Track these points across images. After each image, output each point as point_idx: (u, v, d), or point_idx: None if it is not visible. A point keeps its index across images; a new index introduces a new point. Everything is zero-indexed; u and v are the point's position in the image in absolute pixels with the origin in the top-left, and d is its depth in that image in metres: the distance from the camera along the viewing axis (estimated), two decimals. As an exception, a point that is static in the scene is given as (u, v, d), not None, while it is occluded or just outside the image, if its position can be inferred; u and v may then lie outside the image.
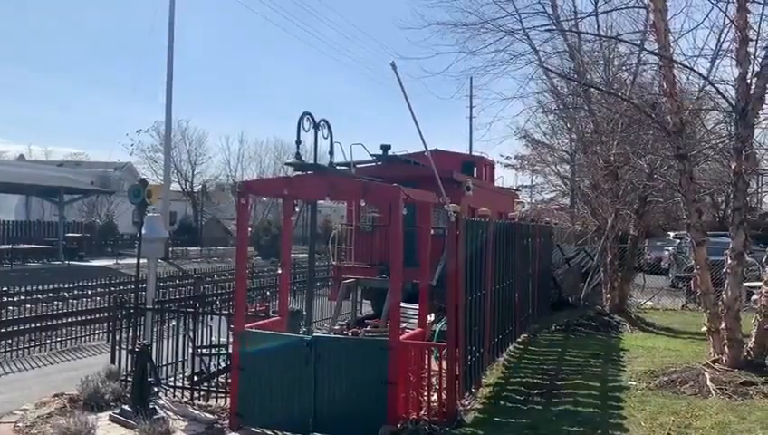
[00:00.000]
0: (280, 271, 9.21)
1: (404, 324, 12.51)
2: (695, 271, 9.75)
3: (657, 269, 25.03)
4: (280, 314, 9.24)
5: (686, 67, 8.30)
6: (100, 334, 14.66)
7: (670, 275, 22.80)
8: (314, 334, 8.10)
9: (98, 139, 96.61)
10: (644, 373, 8.76)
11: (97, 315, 15.33)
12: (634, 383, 8.32)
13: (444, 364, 7.80)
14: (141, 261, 9.94)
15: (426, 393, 7.60)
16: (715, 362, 8.64)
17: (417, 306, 12.96)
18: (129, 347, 9.02)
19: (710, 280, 9.56)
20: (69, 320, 14.92)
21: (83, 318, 15.21)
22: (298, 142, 13.29)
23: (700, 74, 8.17)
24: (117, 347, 9.77)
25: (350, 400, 7.46)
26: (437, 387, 7.76)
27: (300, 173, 8.07)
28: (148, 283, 10.09)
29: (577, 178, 22.30)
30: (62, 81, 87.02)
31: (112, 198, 43.05)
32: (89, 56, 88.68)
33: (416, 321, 12.63)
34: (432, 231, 16.98)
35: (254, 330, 8.20)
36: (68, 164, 53.67)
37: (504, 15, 13.60)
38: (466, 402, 7.97)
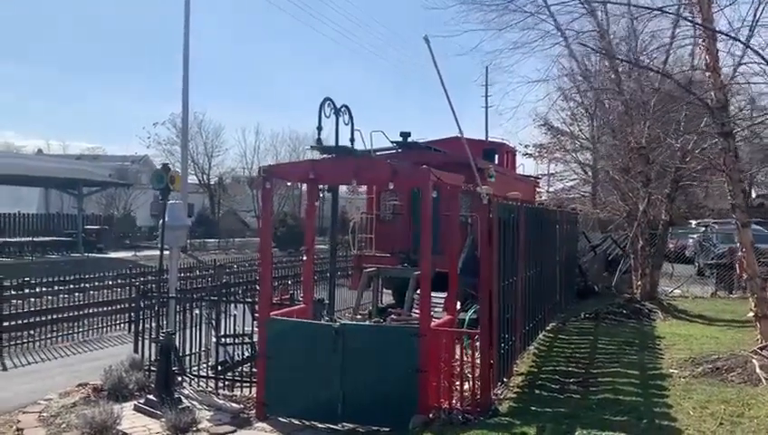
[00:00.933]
0: (304, 258, 8.98)
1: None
2: (739, 254, 9.36)
3: (681, 257, 24.59)
4: (304, 301, 9.04)
5: (734, 39, 7.88)
6: (122, 325, 14.61)
7: (696, 264, 22.35)
8: (342, 321, 7.88)
9: (114, 133, 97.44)
10: (685, 361, 8.46)
11: (118, 306, 15.27)
12: (676, 371, 8.03)
13: (475, 353, 7.56)
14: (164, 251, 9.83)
15: (458, 382, 7.37)
16: (763, 348, 8.29)
17: (442, 294, 12.75)
18: (153, 336, 8.86)
19: (756, 263, 9.15)
20: (90, 311, 14.88)
21: (105, 309, 15.16)
22: (319, 128, 13.02)
23: (748, 46, 7.75)
24: (140, 337, 9.64)
25: (379, 388, 7.26)
26: (469, 376, 7.51)
27: (325, 156, 7.84)
28: (171, 272, 9.94)
29: (600, 165, 21.86)
30: (77, 77, 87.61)
31: (130, 190, 43.18)
32: (103, 52, 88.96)
33: (440, 309, 12.44)
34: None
35: (280, 317, 8.01)
36: (86, 158, 53.83)
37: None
38: (499, 392, 7.73)
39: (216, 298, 9.48)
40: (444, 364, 7.49)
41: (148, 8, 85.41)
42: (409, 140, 16.64)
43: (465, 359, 7.72)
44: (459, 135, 8.14)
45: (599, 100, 16.71)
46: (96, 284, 16.93)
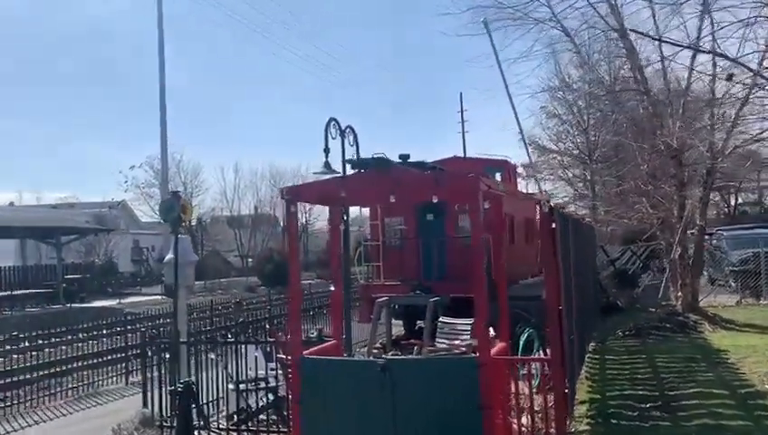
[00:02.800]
0: (332, 288, 8.08)
1: (456, 341, 11.41)
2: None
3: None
4: (334, 336, 8.10)
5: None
6: (117, 377, 13.48)
7: (705, 272, 21.74)
8: (387, 356, 6.96)
9: (89, 181, 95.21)
10: None
11: (108, 357, 14.12)
12: None
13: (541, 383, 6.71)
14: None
15: (527, 417, 6.48)
16: None
17: (468, 320, 11.87)
18: (170, 387, 7.83)
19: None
20: (80, 364, 13.73)
21: (96, 361, 14.02)
22: (326, 150, 12.19)
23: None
24: (149, 388, 8.61)
25: (436, 430, 6.32)
26: (535, 408, 6.63)
27: (356, 172, 6.98)
28: (179, 314, 8.94)
29: (603, 176, 21.34)
30: (47, 126, 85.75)
31: (110, 236, 41.79)
32: (72, 97, 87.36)
33: (467, 337, 11.54)
34: (464, 239, 16.06)
35: (315, 356, 7.05)
36: (61, 206, 52.36)
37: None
38: (567, 424, 6.84)
39: (232, 340, 8.47)
40: (505, 398, 6.60)
41: (116, 51, 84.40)
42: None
43: (522, 390, 6.84)
44: (521, 136, 7.29)
45: (599, 111, 16.16)
46: (81, 336, 15.80)
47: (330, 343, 7.96)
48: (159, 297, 35.37)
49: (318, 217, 70.12)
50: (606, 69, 15.36)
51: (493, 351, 7.06)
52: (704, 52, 10.28)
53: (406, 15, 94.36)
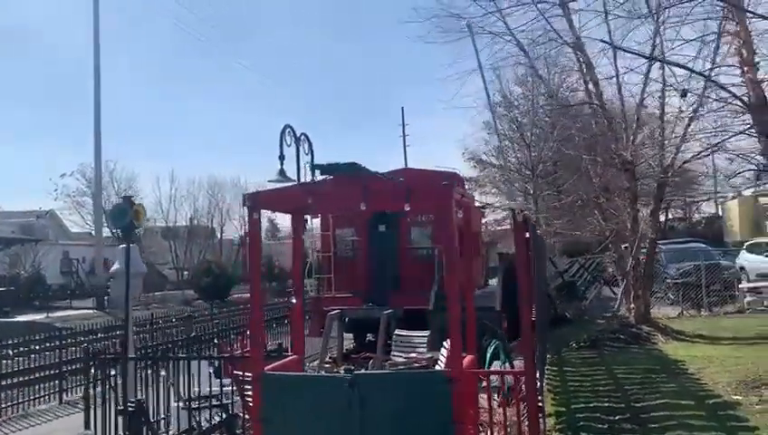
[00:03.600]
0: (294, 300, 7.73)
1: (413, 354, 11.21)
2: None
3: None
4: (295, 351, 7.75)
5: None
6: (48, 396, 12.63)
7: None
8: (354, 371, 6.66)
9: (11, 189, 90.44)
10: (738, 385, 7.75)
11: (39, 374, 13.12)
12: (739, 398, 7.30)
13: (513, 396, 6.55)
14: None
15: (499, 433, 6.30)
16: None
17: (423, 333, 11.70)
18: (119, 407, 7.29)
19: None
20: (6, 382, 12.67)
21: (23, 379, 13.00)
22: (281, 157, 11.79)
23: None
24: (92, 408, 8.03)
25: (406, 449, 6.07)
26: (504, 423, 6.46)
27: (323, 178, 6.69)
28: (127, 327, 8.40)
29: (543, 191, 21.74)
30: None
31: (38, 247, 39.79)
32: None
33: (424, 349, 11.36)
34: (416, 251, 15.93)
35: (278, 372, 6.71)
36: (-19, 215, 49.75)
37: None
38: (537, 438, 6.69)
39: (185, 355, 8.00)
40: (476, 412, 6.42)
41: (47, 54, 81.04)
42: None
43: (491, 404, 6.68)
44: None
45: (549, 124, 16.40)
46: (12, 351, 14.73)
47: (290, 357, 7.62)
48: (91, 311, 33.84)
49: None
50: (556, 83, 15.60)
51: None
52: (658, 60, 10.50)
53: (351, 28, 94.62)
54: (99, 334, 14.82)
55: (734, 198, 37.78)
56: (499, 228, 38.72)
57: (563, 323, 15.16)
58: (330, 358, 13.98)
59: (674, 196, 13.66)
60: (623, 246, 14.09)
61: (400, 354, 11.57)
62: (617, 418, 7.01)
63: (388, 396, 6.21)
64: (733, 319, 14.55)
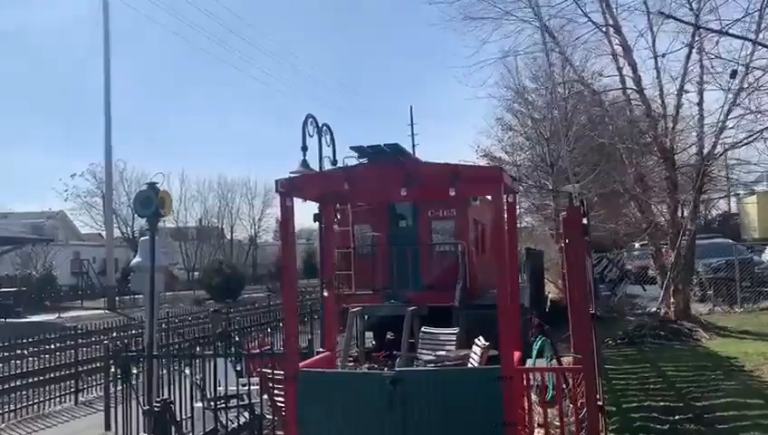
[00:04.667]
0: (326, 293, 7.33)
1: (440, 352, 10.76)
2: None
3: (643, 278, 24.09)
4: (327, 348, 7.35)
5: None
6: (65, 396, 12.27)
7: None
8: (397, 368, 6.26)
9: (23, 192, 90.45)
10: None
11: (54, 374, 12.77)
12: None
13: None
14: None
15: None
16: None
17: (452, 330, 11.26)
18: (143, 406, 6.89)
19: None
20: (21, 382, 12.33)
21: (39, 379, 12.67)
22: (304, 148, 11.40)
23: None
24: (112, 408, 7.65)
25: (453, 451, 5.66)
26: (555, 424, 6.04)
27: (362, 162, 6.29)
28: (148, 324, 8.00)
29: (566, 187, 21.12)
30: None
31: (49, 247, 39.56)
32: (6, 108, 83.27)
33: (453, 347, 10.92)
34: (438, 247, 15.48)
35: (314, 370, 6.31)
36: (-7, 216, 49.66)
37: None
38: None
39: (211, 353, 7.61)
40: (527, 413, 5.99)
41: (57, 56, 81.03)
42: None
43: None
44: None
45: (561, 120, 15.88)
46: (27, 350, 14.40)
47: (322, 354, 7.21)
48: (102, 311, 33.60)
49: (266, 228, 68.82)
50: (587, 68, 15.02)
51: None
52: (704, 28, 9.95)
53: (358, 28, 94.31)
54: (114, 333, 14.50)
55: (746, 195, 37.27)
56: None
57: (592, 319, 14.62)
58: (351, 357, 13.58)
59: (714, 186, 13.22)
60: (661, 241, 13.57)
61: (427, 352, 11.13)
62: (677, 418, 6.57)
63: (434, 395, 5.80)
64: (768, 315, 14.07)
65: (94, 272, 44.36)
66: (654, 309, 13.09)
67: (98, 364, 13.51)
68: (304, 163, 10.96)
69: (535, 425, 6.47)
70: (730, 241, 21.01)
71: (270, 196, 64.81)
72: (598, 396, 5.64)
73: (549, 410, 6.54)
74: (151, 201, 6.32)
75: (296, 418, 6.06)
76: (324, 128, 11.86)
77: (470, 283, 14.54)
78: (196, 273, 51.52)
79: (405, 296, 13.97)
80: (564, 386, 6.81)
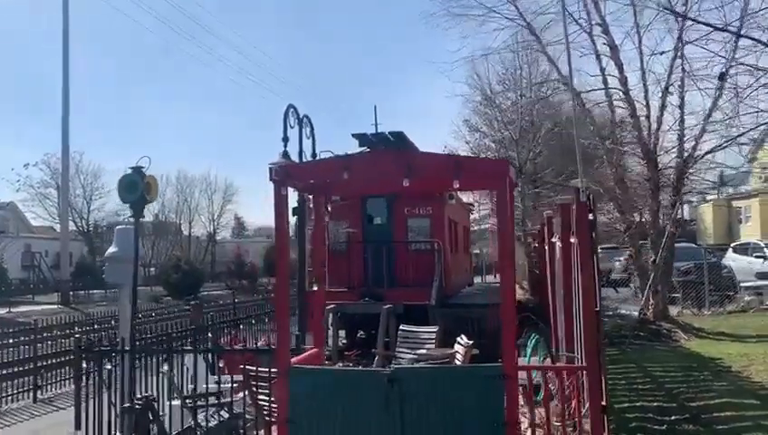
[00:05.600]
0: (315, 288, 7.06)
1: (420, 350, 10.57)
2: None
3: (608, 281, 24.37)
4: (315, 344, 7.08)
5: None
6: (23, 394, 11.68)
7: (631, 286, 22.09)
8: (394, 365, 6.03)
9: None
10: None
11: (8, 371, 12.08)
12: None
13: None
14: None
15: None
16: None
17: (431, 329, 11.08)
18: (125, 405, 6.49)
19: None
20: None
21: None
22: (285, 139, 11.08)
23: None
24: (83, 406, 7.20)
25: (453, 452, 5.45)
26: (557, 425, 5.89)
27: (362, 151, 6.02)
28: (122, 317, 7.61)
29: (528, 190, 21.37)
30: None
31: (-1, 239, 38.11)
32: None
33: (432, 345, 10.74)
34: (414, 245, 15.31)
35: (307, 367, 6.03)
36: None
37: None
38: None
39: (190, 348, 7.25)
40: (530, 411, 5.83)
41: (5, 40, 78.15)
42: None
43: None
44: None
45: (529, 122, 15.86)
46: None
47: (311, 351, 6.94)
48: (56, 306, 32.42)
49: (225, 225, 67.72)
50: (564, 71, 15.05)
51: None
52: (689, 19, 10.02)
53: (324, 23, 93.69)
54: (77, 328, 13.91)
55: (698, 203, 38.30)
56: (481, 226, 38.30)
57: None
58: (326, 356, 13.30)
59: (693, 188, 13.38)
60: (640, 241, 13.62)
61: (406, 350, 10.93)
62: (673, 418, 6.50)
63: (433, 393, 5.58)
64: (741, 317, 14.29)
65: (47, 265, 42.86)
66: (637, 312, 13.12)
67: (56, 360, 12.96)
68: (285, 154, 10.66)
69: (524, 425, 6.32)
70: (694, 245, 21.44)
71: (230, 192, 63.99)
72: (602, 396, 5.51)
73: (537, 410, 6.38)
74: (136, 186, 5.94)
75: (287, 418, 5.77)
76: (305, 120, 11.57)
77: (445, 281, 14.44)
78: (152, 269, 50.29)
79: (380, 294, 13.78)
80: (552, 386, 6.69)
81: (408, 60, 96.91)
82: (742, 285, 17.63)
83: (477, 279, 30.83)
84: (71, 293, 35.43)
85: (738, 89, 10.03)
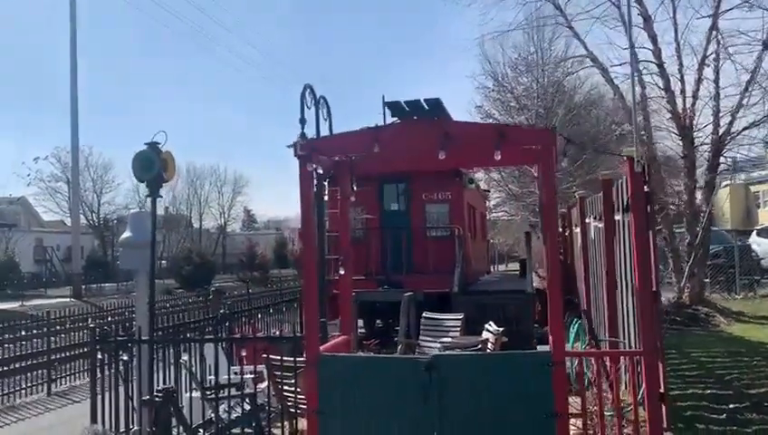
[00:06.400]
0: (342, 272, 6.66)
1: (444, 339, 10.18)
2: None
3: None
4: (343, 331, 6.69)
5: None
6: (38, 386, 11.39)
7: (662, 269, 21.57)
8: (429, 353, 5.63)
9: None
10: None
11: (22, 364, 11.78)
12: None
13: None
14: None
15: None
16: None
17: (457, 316, 10.69)
18: (144, 398, 6.12)
19: None
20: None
21: (7, 368, 11.71)
22: (302, 121, 10.64)
23: None
24: (99, 398, 6.85)
25: (497, 445, 5.06)
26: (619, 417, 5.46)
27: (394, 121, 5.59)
28: (138, 306, 7.25)
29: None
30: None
31: (11, 233, 37.95)
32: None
33: (457, 333, 10.36)
34: (433, 231, 14.90)
35: (338, 355, 5.64)
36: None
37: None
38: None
39: (211, 337, 6.88)
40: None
41: (12, 34, 78.05)
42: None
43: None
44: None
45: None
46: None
47: (339, 338, 6.55)
48: (68, 300, 32.26)
49: (236, 217, 67.56)
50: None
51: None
52: None
53: (328, 14, 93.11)
54: (89, 320, 13.61)
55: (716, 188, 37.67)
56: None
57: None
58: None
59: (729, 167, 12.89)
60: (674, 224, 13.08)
61: (430, 339, 10.55)
62: (732, 407, 6.08)
63: (474, 382, 5.19)
64: (775, 301, 13.82)
65: (58, 259, 42.76)
66: (671, 296, 12.60)
67: (70, 353, 12.69)
68: (302, 136, 10.24)
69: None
70: (717, 229, 20.90)
71: (240, 183, 63.80)
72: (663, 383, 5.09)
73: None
74: (153, 163, 5.54)
75: (318, 408, 5.38)
76: (321, 101, 11.14)
77: (465, 268, 14.03)
78: (163, 262, 50.14)
79: (399, 282, 13.39)
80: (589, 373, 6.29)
81: (422, 46, 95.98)
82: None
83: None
84: (82, 286, 35.26)
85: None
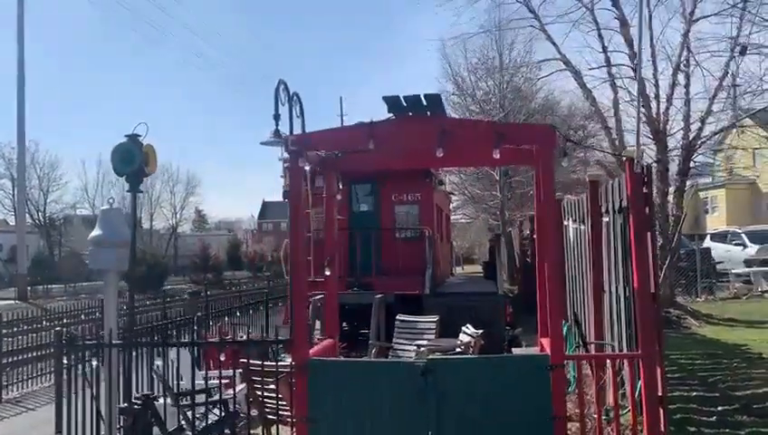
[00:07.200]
0: (327, 272, 6.42)
1: (420, 342, 10.04)
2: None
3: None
4: (328, 334, 6.47)
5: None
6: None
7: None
8: (428, 356, 5.46)
9: None
10: None
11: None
12: None
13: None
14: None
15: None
16: None
17: (431, 318, 10.56)
18: (122, 405, 5.74)
19: None
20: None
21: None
22: (276, 116, 10.37)
23: None
24: (65, 406, 6.42)
25: (495, 451, 4.92)
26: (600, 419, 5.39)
27: (389, 117, 5.39)
28: (107, 309, 6.84)
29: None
30: None
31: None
32: None
33: (433, 336, 10.23)
34: (402, 232, 14.75)
35: (329, 359, 5.41)
36: None
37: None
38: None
39: (194, 341, 6.55)
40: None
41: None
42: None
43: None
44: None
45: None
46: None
47: (326, 342, 6.31)
48: (12, 302, 30.94)
49: (188, 217, 66.15)
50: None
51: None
52: None
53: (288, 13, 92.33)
54: (43, 322, 12.97)
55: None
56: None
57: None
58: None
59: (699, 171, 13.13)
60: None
61: (405, 341, 10.38)
62: (721, 409, 6.07)
63: (472, 386, 5.03)
64: (739, 304, 14.14)
65: (1, 260, 41.07)
66: None
67: (20, 357, 12.03)
68: (277, 133, 9.95)
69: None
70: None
71: (192, 183, 62.48)
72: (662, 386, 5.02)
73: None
74: (133, 156, 5.20)
75: (306, 415, 5.14)
76: (294, 97, 10.88)
77: (435, 270, 13.93)
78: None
79: (368, 284, 13.20)
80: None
81: (384, 48, 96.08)
82: (733, 271, 17.59)
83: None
84: (28, 287, 33.91)
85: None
